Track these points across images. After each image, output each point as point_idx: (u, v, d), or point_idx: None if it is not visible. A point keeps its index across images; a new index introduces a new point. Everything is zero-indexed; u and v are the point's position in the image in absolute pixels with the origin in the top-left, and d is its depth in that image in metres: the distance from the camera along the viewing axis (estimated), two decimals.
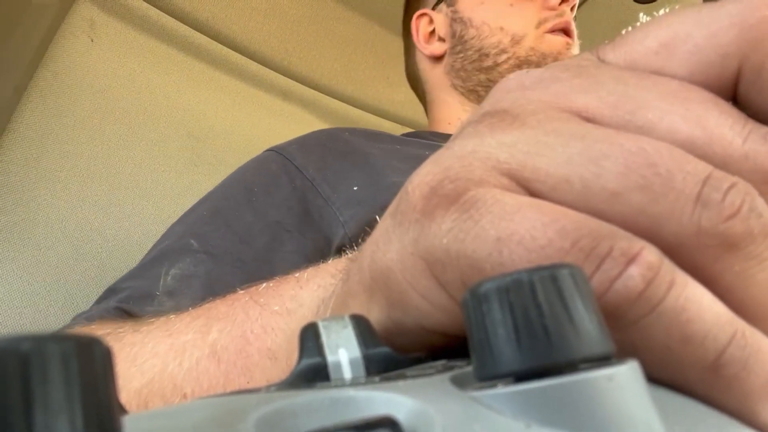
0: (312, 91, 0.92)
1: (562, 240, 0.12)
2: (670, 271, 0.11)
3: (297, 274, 0.25)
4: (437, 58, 0.75)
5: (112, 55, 0.73)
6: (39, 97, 0.66)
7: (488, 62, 0.69)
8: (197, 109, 0.79)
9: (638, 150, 0.12)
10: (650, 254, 0.11)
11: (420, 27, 0.77)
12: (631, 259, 0.11)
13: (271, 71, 0.87)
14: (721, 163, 0.13)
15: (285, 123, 0.88)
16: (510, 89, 0.16)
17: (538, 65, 0.65)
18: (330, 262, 0.25)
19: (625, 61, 0.15)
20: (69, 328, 0.40)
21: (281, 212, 0.50)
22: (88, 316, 0.42)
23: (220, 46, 0.82)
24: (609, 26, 1.00)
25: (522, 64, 0.66)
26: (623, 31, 0.15)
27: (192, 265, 0.45)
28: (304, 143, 0.57)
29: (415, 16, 0.78)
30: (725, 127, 0.13)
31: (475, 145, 0.14)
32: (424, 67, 0.78)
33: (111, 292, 0.46)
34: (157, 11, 0.76)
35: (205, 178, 0.75)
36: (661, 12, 0.15)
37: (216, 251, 0.47)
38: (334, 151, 0.55)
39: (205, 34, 0.81)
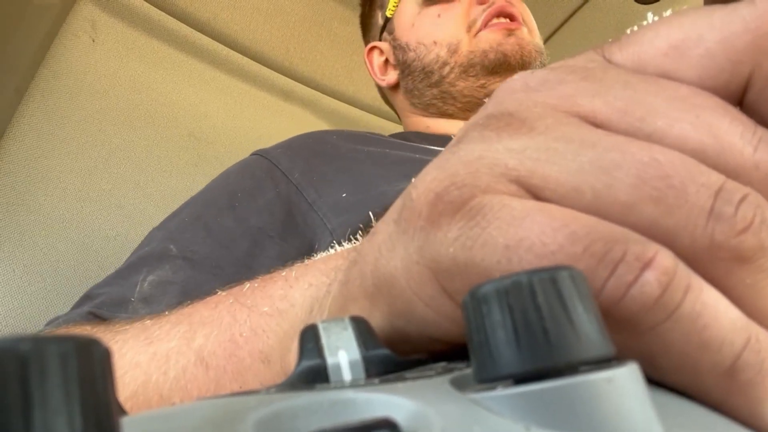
0: (313, 91, 0.92)
1: (573, 245, 0.11)
2: (686, 275, 0.11)
3: (284, 273, 0.24)
4: (395, 86, 0.75)
5: (113, 55, 0.73)
6: (40, 97, 0.66)
7: (435, 77, 0.69)
8: (198, 110, 0.79)
9: (651, 160, 0.12)
10: (665, 258, 0.11)
11: (373, 60, 0.77)
12: (646, 264, 0.11)
13: (272, 71, 0.88)
14: (732, 172, 0.12)
15: (286, 123, 0.88)
16: (514, 90, 0.15)
17: (484, 64, 0.64)
18: (318, 258, 0.24)
19: (632, 62, 0.14)
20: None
21: (263, 218, 0.49)
22: (62, 320, 0.41)
23: (221, 46, 0.82)
24: (609, 27, 1.00)
25: (468, 68, 0.66)
26: (627, 31, 0.15)
27: (171, 271, 0.44)
28: (291, 147, 0.57)
29: (365, 51, 0.78)
30: (736, 136, 0.13)
31: (483, 151, 0.14)
32: (386, 94, 0.80)
33: (86, 298, 0.45)
34: (159, 12, 0.77)
35: (206, 178, 0.75)
36: (668, 12, 0.15)
37: (195, 257, 0.46)
38: (322, 154, 0.55)
39: (206, 35, 0.81)
